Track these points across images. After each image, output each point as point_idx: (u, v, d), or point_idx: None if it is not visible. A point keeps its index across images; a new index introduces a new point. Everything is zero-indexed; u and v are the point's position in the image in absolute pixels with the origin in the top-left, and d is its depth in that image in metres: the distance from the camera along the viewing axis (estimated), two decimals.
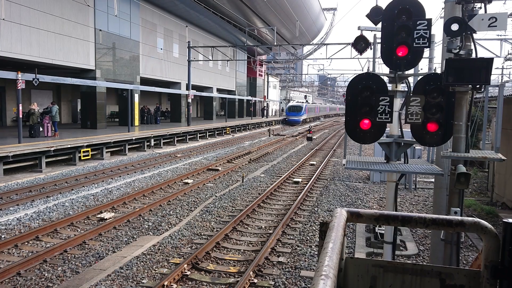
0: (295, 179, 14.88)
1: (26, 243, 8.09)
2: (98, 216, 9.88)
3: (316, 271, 1.23)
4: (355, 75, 5.17)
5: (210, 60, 34.69)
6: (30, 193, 12.02)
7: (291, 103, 59.21)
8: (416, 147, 13.41)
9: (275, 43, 36.61)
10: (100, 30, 24.32)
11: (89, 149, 17.52)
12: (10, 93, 26.23)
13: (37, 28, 19.65)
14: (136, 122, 28.51)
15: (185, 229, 9.11)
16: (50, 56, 20.84)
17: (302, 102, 60.10)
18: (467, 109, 4.63)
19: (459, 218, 1.78)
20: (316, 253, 7.84)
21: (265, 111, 57.96)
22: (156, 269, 6.94)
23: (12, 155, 13.74)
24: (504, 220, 1.64)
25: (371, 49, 6.42)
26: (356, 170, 10.63)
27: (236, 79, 50.84)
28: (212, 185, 14.04)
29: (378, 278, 1.89)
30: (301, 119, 54.34)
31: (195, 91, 34.14)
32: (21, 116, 16.25)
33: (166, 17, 31.85)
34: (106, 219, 9.68)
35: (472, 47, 4.52)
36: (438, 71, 6.62)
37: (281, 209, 11.04)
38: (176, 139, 25.86)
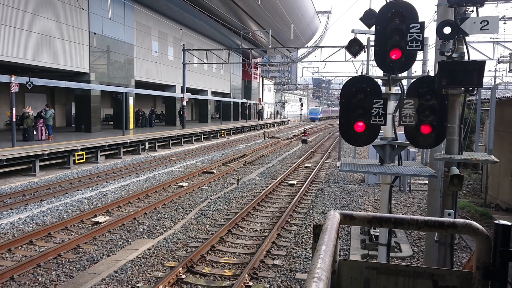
0: (290, 182, 14.89)
1: (19, 247, 8.03)
2: (93, 219, 9.82)
3: (309, 273, 1.23)
4: (349, 77, 5.20)
5: (205, 63, 34.70)
6: (23, 197, 11.94)
7: (311, 107, 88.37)
8: (410, 149, 13.47)
9: (270, 46, 36.69)
10: (94, 33, 24.27)
11: (84, 152, 17.44)
12: (4, 97, 26.07)
13: (31, 31, 19.57)
14: (131, 125, 28.43)
15: (180, 232, 9.08)
16: (44, 59, 20.75)
17: (319, 107, 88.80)
18: (460, 111, 4.67)
19: (451, 220, 1.80)
20: (311, 255, 7.84)
21: (260, 113, 58.02)
22: (151, 273, 6.92)
23: (6, 159, 13.65)
24: (495, 221, 1.66)
25: (365, 52, 6.46)
26: (350, 172, 10.66)
27: (231, 82, 50.88)
28: (207, 188, 14.01)
29: (372, 280, 1.90)
30: (318, 117, 79.34)
31: (190, 94, 34.11)
32: (14, 119, 16.16)
33: (160, 20, 31.84)
34: (101, 222, 9.63)
35: (465, 50, 4.57)
36: (432, 73, 6.67)
37: (276, 211, 11.05)
38: (171, 142, 25.82)
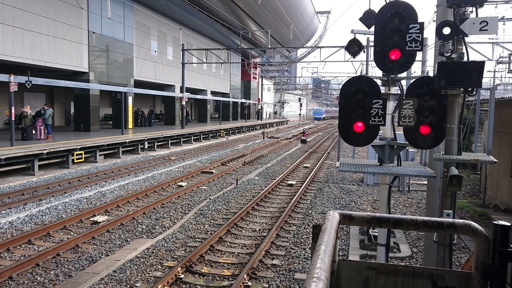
0: (289, 182, 14.89)
1: (18, 247, 8.02)
2: (91, 219, 9.82)
3: (308, 273, 1.23)
4: (349, 78, 5.20)
5: (204, 62, 34.69)
6: (22, 196, 11.92)
7: (316, 108, 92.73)
8: (409, 150, 13.48)
9: (269, 46, 36.68)
10: (93, 32, 24.24)
11: (83, 152, 17.42)
12: (2, 96, 26.04)
13: (30, 31, 19.54)
14: (130, 125, 28.40)
15: (179, 232, 9.08)
16: (43, 59, 20.73)
17: (322, 108, 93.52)
18: (459, 112, 4.67)
19: (450, 220, 1.80)
20: (310, 255, 7.84)
21: (259, 113, 58.03)
22: (149, 272, 6.91)
23: (5, 158, 13.63)
24: (494, 222, 1.66)
25: (364, 52, 6.47)
26: (349, 172, 10.66)
27: (230, 81, 50.87)
28: (206, 188, 14.01)
29: (371, 280, 1.90)
30: (322, 117, 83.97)
31: (189, 93, 34.08)
32: (13, 119, 16.13)
33: (160, 20, 31.82)
34: (99, 222, 9.63)
35: (464, 50, 4.57)
36: (431, 74, 6.68)
37: (275, 211, 11.05)
38: (170, 141, 25.81)
